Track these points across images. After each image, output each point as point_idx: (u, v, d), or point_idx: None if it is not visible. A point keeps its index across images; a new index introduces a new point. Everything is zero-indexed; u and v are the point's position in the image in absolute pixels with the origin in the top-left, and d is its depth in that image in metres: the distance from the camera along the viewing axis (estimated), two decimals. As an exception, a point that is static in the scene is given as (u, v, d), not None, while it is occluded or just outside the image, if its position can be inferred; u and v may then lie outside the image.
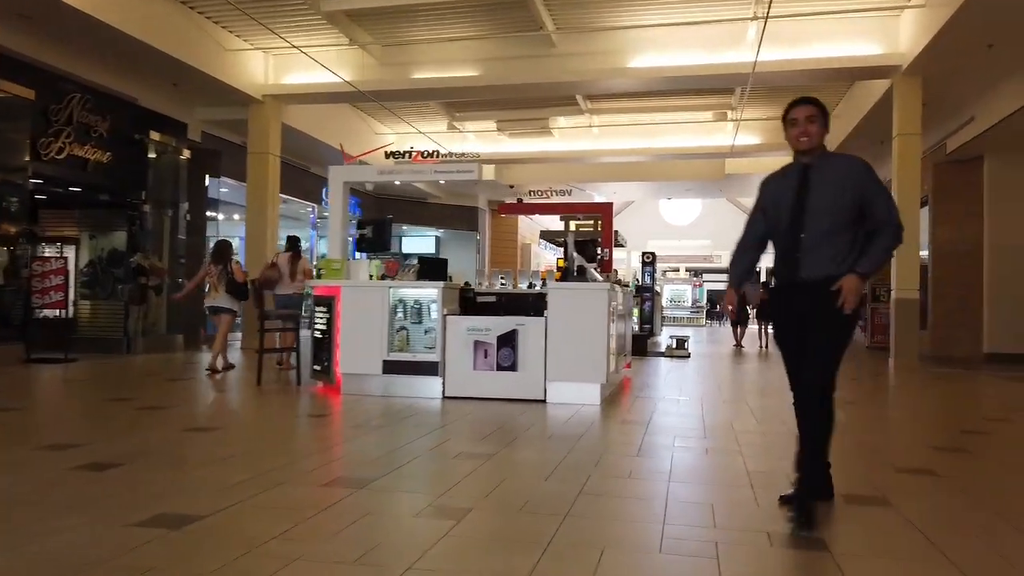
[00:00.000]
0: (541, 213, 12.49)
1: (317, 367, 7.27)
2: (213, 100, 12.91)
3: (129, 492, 3.35)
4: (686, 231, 37.28)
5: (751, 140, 16.39)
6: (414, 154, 7.33)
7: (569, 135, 17.38)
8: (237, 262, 9.11)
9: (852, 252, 3.02)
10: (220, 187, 14.76)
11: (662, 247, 37.19)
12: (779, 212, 3.17)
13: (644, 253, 17.51)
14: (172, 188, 12.80)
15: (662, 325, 20.61)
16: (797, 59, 11.09)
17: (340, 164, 7.68)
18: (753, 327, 18.55)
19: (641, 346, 12.91)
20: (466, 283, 9.93)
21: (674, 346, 13.36)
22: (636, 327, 16.62)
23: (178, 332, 12.67)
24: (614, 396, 7.03)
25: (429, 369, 6.67)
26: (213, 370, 8.14)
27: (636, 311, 16.93)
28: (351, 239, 7.52)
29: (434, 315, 6.78)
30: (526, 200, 13.66)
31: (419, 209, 22.23)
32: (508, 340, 6.57)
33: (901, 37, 10.67)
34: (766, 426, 5.51)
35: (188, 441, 4.60)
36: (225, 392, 7.19)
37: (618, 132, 17.00)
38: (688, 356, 12.86)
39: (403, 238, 24.06)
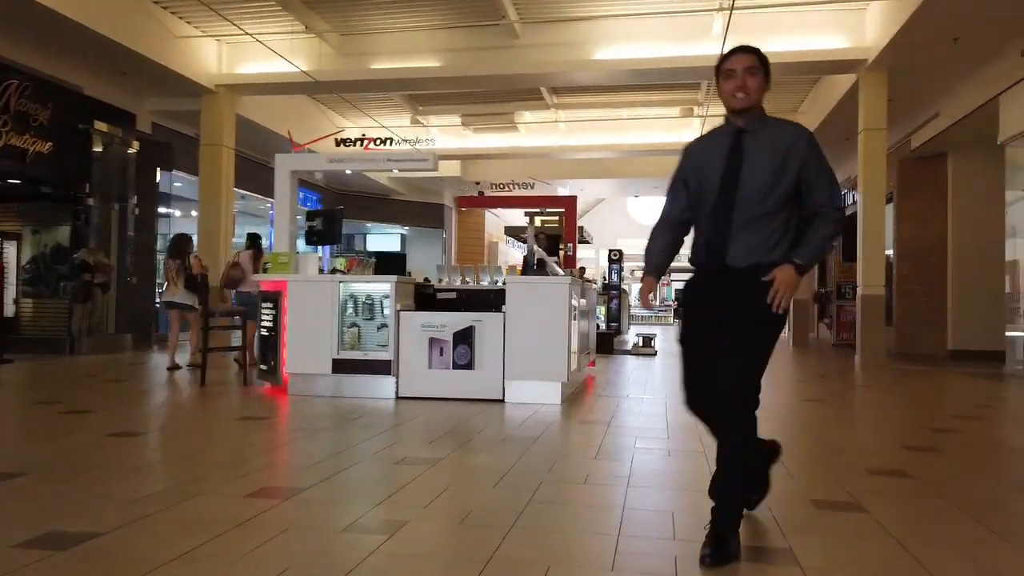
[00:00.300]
0: (503, 206, 12.15)
1: (264, 367, 6.89)
2: (164, 90, 12.40)
3: (24, 506, 2.98)
4: (654, 230, 37.24)
5: (718, 136, 16.27)
6: (366, 142, 6.94)
7: (535, 130, 17.11)
8: (196, 256, 8.82)
9: (786, 237, 2.53)
10: (174, 181, 14.22)
11: (631, 246, 37.16)
12: (705, 185, 2.60)
13: (611, 251, 17.33)
14: (120, 181, 12.26)
15: (629, 323, 20.46)
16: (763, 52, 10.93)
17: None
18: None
19: (607, 344, 12.69)
20: (425, 279, 9.60)
21: (640, 344, 13.16)
22: (603, 325, 16.46)
23: (127, 331, 12.15)
24: (576, 395, 6.76)
25: (381, 368, 6.33)
26: (194, 365, 8.08)
27: (603, 309, 16.76)
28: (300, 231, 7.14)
29: (387, 311, 6.44)
30: (488, 194, 13.30)
31: (383, 206, 21.79)
32: (464, 337, 6.26)
33: (867, 30, 10.59)
34: (732, 425, 5.27)
35: (108, 448, 4.21)
36: (163, 394, 6.77)
37: (585, 128, 16.78)
38: (655, 354, 12.67)
39: (368, 236, 23.62)
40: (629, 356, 12.32)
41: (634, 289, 34.38)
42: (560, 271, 6.79)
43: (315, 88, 12.47)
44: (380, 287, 6.44)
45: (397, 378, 6.34)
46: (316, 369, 6.39)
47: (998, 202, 12.87)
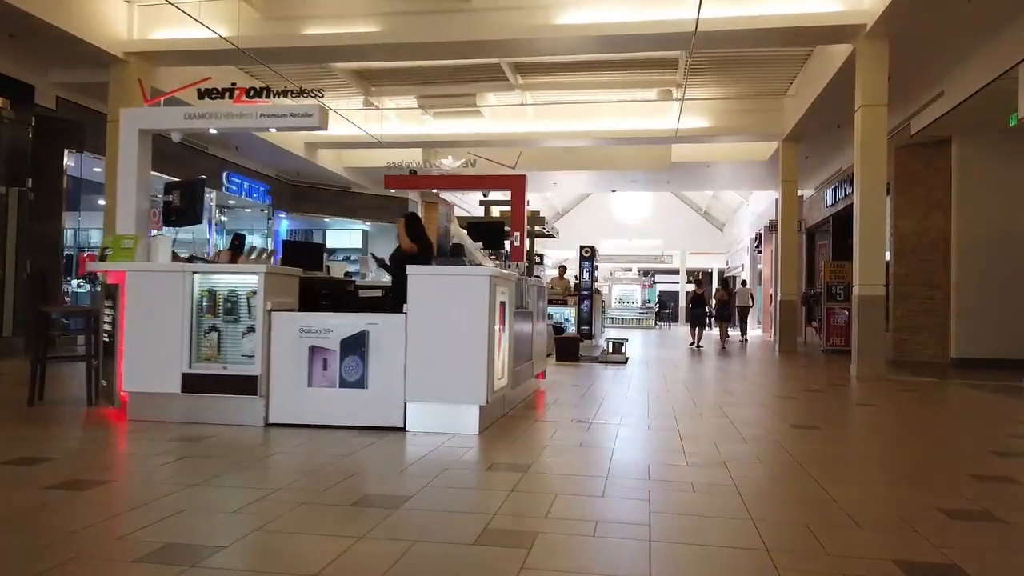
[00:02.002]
0: (437, 187, 10.48)
1: (105, 382, 5.38)
2: (66, 59, 10.81)
3: None
4: (637, 230, 35.92)
5: (698, 123, 14.88)
6: (237, 92, 5.46)
7: (501, 115, 15.65)
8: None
9: None
10: (93, 166, 12.66)
11: (614, 247, 35.83)
12: None
13: (582, 247, 15.87)
14: (12, 163, 10.68)
15: (603, 327, 19.01)
16: (746, 16, 9.54)
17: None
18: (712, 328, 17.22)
19: (572, 350, 11.24)
20: (347, 273, 8.19)
21: (610, 350, 11.73)
22: (573, 329, 15.05)
23: (24, 335, 10.58)
24: (508, 419, 5.30)
25: (246, 386, 4.84)
26: None
27: (573, 311, 15.34)
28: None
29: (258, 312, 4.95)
30: (421, 173, 11.72)
31: (343, 199, 20.31)
32: (355, 345, 4.79)
33: (866, -10, 9.19)
34: (700, 472, 3.83)
35: None
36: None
37: (555, 113, 15.34)
38: (625, 361, 11.24)
39: (328, 232, 22.12)
40: (598, 364, 10.88)
41: (615, 290, 33.06)
42: (487, 261, 5.33)
43: (238, 58, 10.93)
44: (247, 280, 4.94)
45: (267, 399, 4.85)
46: (161, 387, 4.89)
47: (1011, 193, 11.60)
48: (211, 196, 15.64)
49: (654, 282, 37.07)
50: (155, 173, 11.75)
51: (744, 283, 22.05)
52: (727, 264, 35.60)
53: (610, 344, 11.88)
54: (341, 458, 3.94)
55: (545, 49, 10.78)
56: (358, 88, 14.21)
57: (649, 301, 34.02)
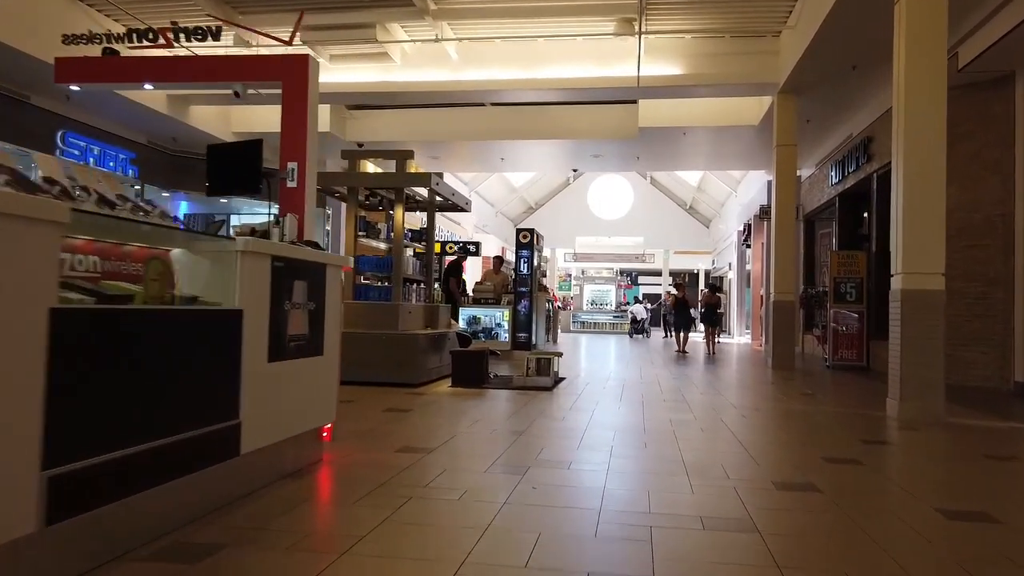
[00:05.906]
0: (151, 80, 6.27)
1: None
2: None
3: None
4: (616, 227, 32.33)
5: (666, 70, 11.40)
6: None
7: (417, 61, 12.13)
8: None
9: None
10: None
11: (593, 244, 32.38)
12: None
13: (519, 230, 12.36)
14: None
15: (551, 335, 15.41)
16: None
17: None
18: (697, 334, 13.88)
19: (473, 372, 7.71)
20: None
21: (532, 369, 8.22)
22: (505, 335, 11.59)
23: None
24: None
25: None
26: None
27: (506, 313, 11.86)
28: None
29: None
30: (123, 52, 7.43)
31: (244, 176, 16.73)
32: None
33: None
34: None
35: None
36: None
37: (485, 55, 11.88)
38: (552, 386, 7.73)
39: (235, 216, 18.53)
40: (512, 391, 7.37)
41: (588, 291, 29.57)
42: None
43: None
44: None
45: None
46: None
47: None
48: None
49: (632, 283, 33.67)
50: None
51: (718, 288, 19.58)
52: (713, 264, 32.18)
53: (535, 362, 8.35)
54: None
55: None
56: (219, 14, 10.63)
57: (628, 303, 30.62)
